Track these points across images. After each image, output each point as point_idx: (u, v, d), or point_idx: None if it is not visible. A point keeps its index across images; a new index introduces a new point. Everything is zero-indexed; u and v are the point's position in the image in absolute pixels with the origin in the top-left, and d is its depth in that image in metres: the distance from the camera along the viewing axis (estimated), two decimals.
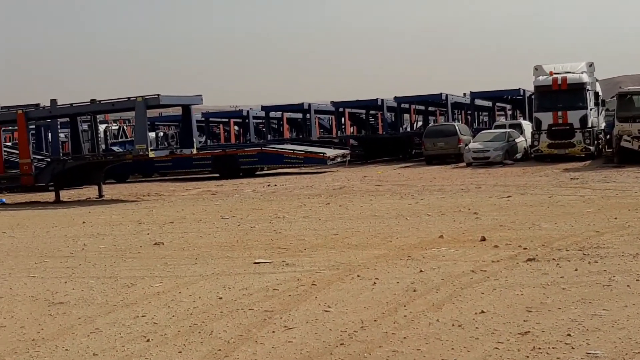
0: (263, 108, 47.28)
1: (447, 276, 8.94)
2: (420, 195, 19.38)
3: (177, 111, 34.45)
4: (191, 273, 10.25)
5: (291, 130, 52.74)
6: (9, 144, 34.63)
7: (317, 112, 46.65)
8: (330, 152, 34.09)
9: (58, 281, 10.19)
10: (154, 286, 9.46)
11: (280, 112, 47.88)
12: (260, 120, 49.90)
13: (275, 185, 26.60)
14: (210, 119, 50.39)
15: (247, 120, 47.10)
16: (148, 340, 6.93)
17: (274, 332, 6.96)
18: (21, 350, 6.91)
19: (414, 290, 8.27)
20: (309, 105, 44.31)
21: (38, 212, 21.65)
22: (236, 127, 52.93)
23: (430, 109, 48.86)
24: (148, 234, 14.68)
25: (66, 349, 6.82)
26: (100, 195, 25.65)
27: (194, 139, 26.35)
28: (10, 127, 35.55)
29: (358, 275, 9.28)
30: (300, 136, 47.05)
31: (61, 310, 8.42)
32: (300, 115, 47.75)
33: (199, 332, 7.11)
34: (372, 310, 7.53)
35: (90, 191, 27.92)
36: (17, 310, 8.57)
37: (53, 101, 26.40)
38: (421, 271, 9.31)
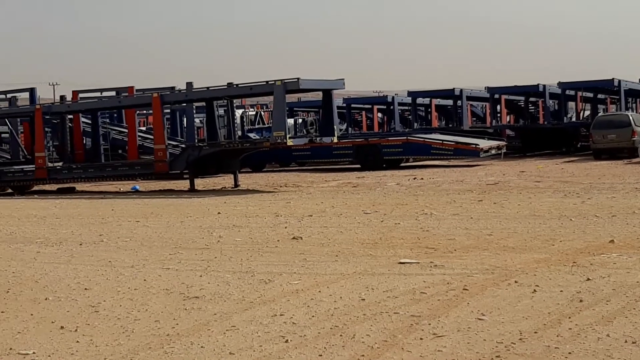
0: (409, 94, 47.03)
1: (619, 286, 8.63)
2: (586, 194, 18.79)
3: (317, 96, 34.91)
4: (331, 271, 10.37)
5: (440, 119, 52.27)
6: (143, 128, 36.16)
7: (469, 98, 45.99)
8: (483, 144, 33.56)
9: (193, 274, 10.56)
10: (293, 283, 9.64)
11: (429, 99, 47.50)
12: (406, 107, 49.66)
13: (422, 178, 26.48)
14: (352, 105, 50.65)
15: (391, 107, 47.01)
16: (287, 341, 7.08)
17: (421, 339, 6.95)
18: (155, 345, 7.21)
19: (580, 301, 8.03)
20: (461, 91, 43.78)
21: (172, 200, 22.50)
22: (380, 115, 53.00)
23: (599, 96, 47.15)
24: (286, 227, 14.96)
25: (201, 346, 7.07)
26: (236, 185, 26.37)
27: (335, 127, 26.63)
28: (145, 111, 37.13)
29: (515, 281, 9.11)
30: (450, 125, 46.57)
31: (196, 305, 8.72)
32: (450, 102, 47.24)
33: (341, 335, 7.19)
34: (531, 320, 7.37)
35: (226, 180, 28.76)
36: (151, 304, 8.94)
37: (189, 84, 27.36)
38: (588, 279, 9.03)
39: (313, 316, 7.97)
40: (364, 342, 6.92)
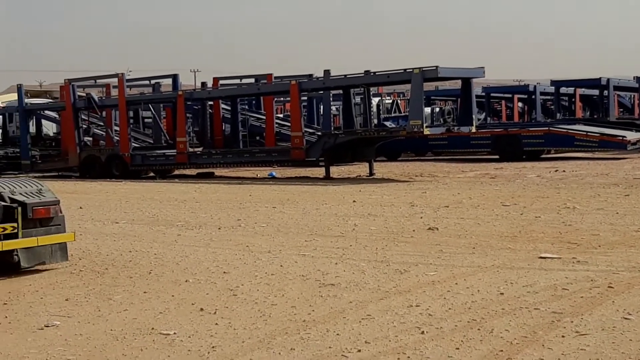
0: (553, 83, 45.81)
1: None
2: None
3: (455, 85, 34.54)
4: (468, 263, 10.26)
5: (584, 109, 50.70)
6: (280, 115, 36.73)
7: (616, 88, 44.41)
8: (631, 136, 32.35)
9: (328, 261, 10.67)
10: (429, 274, 9.60)
11: (573, 88, 46.14)
12: (548, 97, 48.42)
13: (564, 171, 25.81)
14: (492, 95, 49.79)
15: (533, 97, 45.92)
16: (423, 333, 7.05)
17: (563, 336, 6.78)
18: (292, 330, 7.33)
19: None
20: (608, 80, 42.31)
21: (308, 187, 22.78)
22: (520, 104, 51.88)
23: None
24: (421, 217, 14.90)
25: (337, 334, 7.13)
26: (371, 173, 26.44)
27: (473, 116, 26.28)
28: (282, 99, 37.69)
29: None
30: (595, 116, 45.09)
31: (332, 293, 8.81)
32: (596, 92, 45.75)
33: (478, 329, 7.11)
34: None
35: (361, 168, 28.87)
36: (287, 289, 9.09)
37: (326, 72, 27.57)
38: None
39: (450, 308, 7.91)
40: (503, 337, 6.82)
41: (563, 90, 46.14)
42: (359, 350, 6.61)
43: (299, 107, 28.03)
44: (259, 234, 13.48)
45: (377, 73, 26.45)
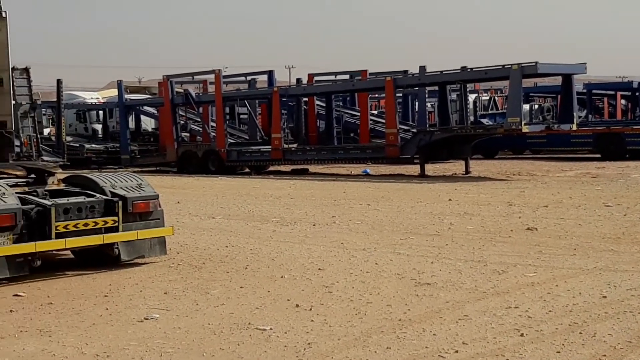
0: None
1: None
2: None
3: (555, 81, 33.86)
4: (569, 265, 10.06)
5: None
6: (375, 112, 36.67)
7: None
8: None
9: (424, 260, 10.62)
10: (528, 276, 9.45)
11: None
12: None
13: None
14: (594, 91, 48.53)
15: (637, 94, 44.65)
16: (522, 335, 6.95)
17: None
18: (388, 329, 7.31)
19: None
20: None
21: (402, 185, 22.70)
22: (623, 101, 50.49)
23: None
24: (519, 217, 14.67)
25: (434, 334, 7.08)
26: (467, 172, 26.17)
27: (574, 114, 25.76)
28: (377, 95, 37.62)
29: None
30: None
31: (428, 292, 8.75)
32: None
33: (580, 333, 6.96)
34: None
35: (456, 166, 28.60)
36: (383, 287, 9.08)
37: (422, 68, 27.41)
38: None
39: (550, 311, 7.77)
40: (606, 342, 6.66)
41: None
42: (456, 351, 6.55)
43: (394, 104, 27.94)
44: (353, 232, 13.50)
45: (474, 69, 26.16)
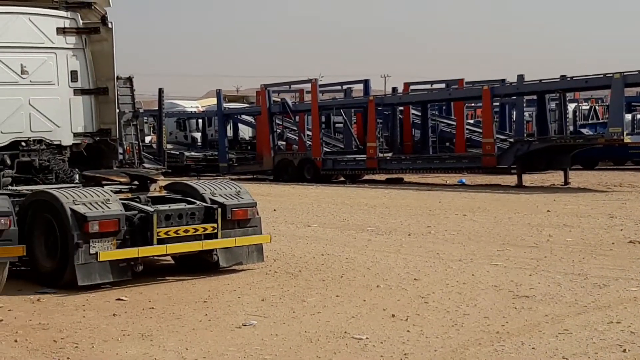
0: None
1: None
2: None
3: None
4: None
5: None
6: (471, 121, 36.28)
7: None
8: None
9: (522, 272, 10.45)
10: (630, 290, 9.21)
11: None
12: None
13: None
14: None
15: None
16: (624, 351, 6.77)
17: None
18: (485, 342, 7.23)
19: None
20: None
21: (499, 195, 22.38)
22: None
23: None
24: (621, 229, 14.31)
25: (533, 348, 6.97)
26: (566, 182, 25.64)
27: None
28: (473, 104, 37.23)
29: None
30: None
31: (526, 305, 8.61)
32: None
33: None
34: None
35: (555, 177, 28.03)
36: (480, 299, 8.98)
37: (520, 77, 27.04)
38: None
39: None
40: None
41: None
42: None
43: (491, 113, 27.60)
44: (449, 242, 13.40)
45: (574, 78, 25.65)
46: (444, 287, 9.63)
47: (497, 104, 33.30)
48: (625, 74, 23.06)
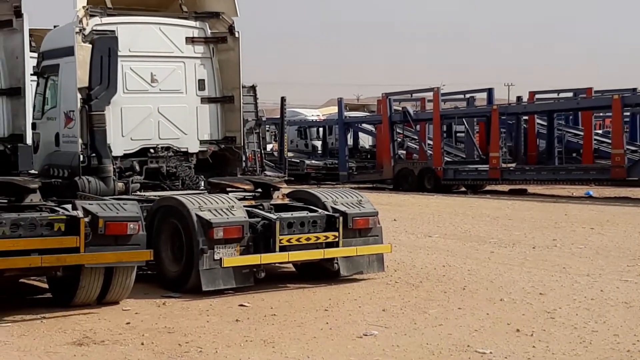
0: None
1: None
2: None
3: None
4: None
5: None
6: (599, 131, 35.30)
7: None
8: None
9: None
10: None
11: None
12: None
13: None
14: None
15: None
16: None
17: None
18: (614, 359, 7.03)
19: None
20: None
21: (629, 209, 21.70)
22: None
23: None
24: None
25: None
26: None
27: None
28: (601, 114, 36.21)
29: None
30: None
31: None
32: None
33: None
34: None
35: None
36: (609, 316, 8.73)
37: None
38: None
39: None
40: None
41: None
42: None
43: (622, 123, 26.79)
44: (576, 256, 13.07)
45: None
46: (571, 303, 9.42)
47: (628, 113, 32.29)
48: None
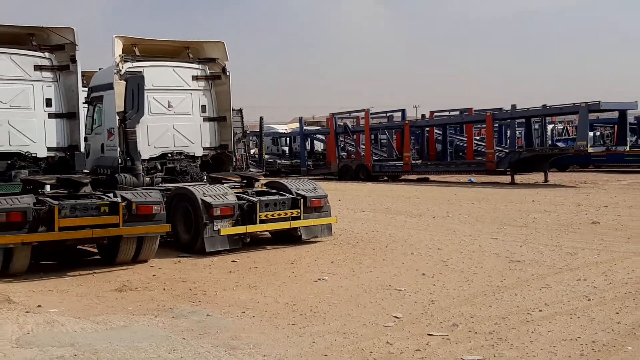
0: None
1: None
2: None
3: (613, 115, 31.75)
4: (624, 249, 9.47)
5: None
6: (478, 137, 35.60)
7: None
8: None
9: (515, 244, 10.25)
10: (593, 257, 8.96)
11: None
12: None
13: None
14: None
15: None
16: (589, 300, 6.61)
17: None
18: (489, 293, 7.11)
19: None
20: None
21: (498, 190, 21.94)
22: None
23: None
24: (586, 214, 13.91)
25: (523, 297, 6.84)
26: (546, 180, 24.99)
27: (627, 139, 24.31)
28: (478, 125, 36.56)
29: None
30: None
31: (518, 267, 8.45)
32: None
33: (634, 299, 6.57)
34: None
35: (537, 177, 27.30)
36: (485, 263, 8.84)
37: (513, 106, 26.50)
38: None
39: (610, 283, 7.35)
40: None
41: None
42: (540, 310, 6.31)
43: (492, 132, 27.12)
44: (462, 222, 13.20)
45: (552, 106, 25.03)
46: (459, 255, 9.51)
47: (497, 125, 32.63)
48: (589, 103, 22.44)
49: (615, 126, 30.45)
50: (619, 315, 6.02)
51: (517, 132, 33.57)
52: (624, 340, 5.37)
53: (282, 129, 44.10)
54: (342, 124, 33.15)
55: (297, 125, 39.90)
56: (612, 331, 5.58)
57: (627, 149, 24.65)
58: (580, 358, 5.01)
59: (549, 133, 32.64)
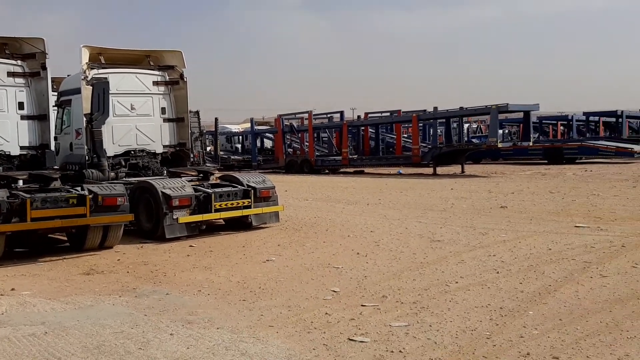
0: (584, 114, 42.78)
1: None
2: None
3: (519, 115, 32.78)
4: (527, 229, 9.79)
5: (605, 131, 46.91)
6: (405, 135, 36.11)
7: (628, 117, 40.86)
8: (637, 148, 29.73)
9: (435, 226, 10.46)
10: (501, 236, 9.24)
11: (598, 117, 42.89)
12: (581, 122, 45.19)
13: (591, 170, 24.07)
14: (543, 121, 46.92)
15: (570, 123, 43.03)
16: (497, 272, 6.81)
17: (591, 277, 6.38)
18: (413, 268, 7.25)
19: None
20: (622, 112, 39.07)
21: (422, 180, 22.34)
22: (562, 127, 48.61)
23: None
24: (496, 199, 14.32)
25: (442, 271, 7.00)
26: (462, 172, 25.60)
27: (531, 135, 25.08)
28: (406, 125, 37.08)
29: None
30: (613, 135, 41.65)
31: (438, 246, 8.63)
32: (614, 119, 42.28)
33: (534, 272, 6.79)
34: None
35: (455, 168, 27.92)
36: (410, 243, 8.99)
37: (435, 108, 26.98)
38: None
39: (515, 258, 7.59)
40: (551, 277, 6.49)
41: (591, 118, 42.97)
42: (457, 282, 6.47)
43: (417, 130, 27.57)
44: (392, 208, 13.37)
45: (467, 108, 25.61)
46: (388, 236, 9.64)
47: (421, 124, 33.15)
48: (499, 105, 23.08)
49: (521, 125, 31.47)
50: (522, 285, 6.23)
51: (438, 130, 34.09)
52: (526, 306, 5.57)
53: (235, 128, 43.65)
54: (289, 124, 33.10)
55: (248, 125, 39.56)
56: (516, 299, 5.78)
57: (531, 144, 25.46)
58: (489, 322, 5.16)
59: (465, 131, 33.40)
